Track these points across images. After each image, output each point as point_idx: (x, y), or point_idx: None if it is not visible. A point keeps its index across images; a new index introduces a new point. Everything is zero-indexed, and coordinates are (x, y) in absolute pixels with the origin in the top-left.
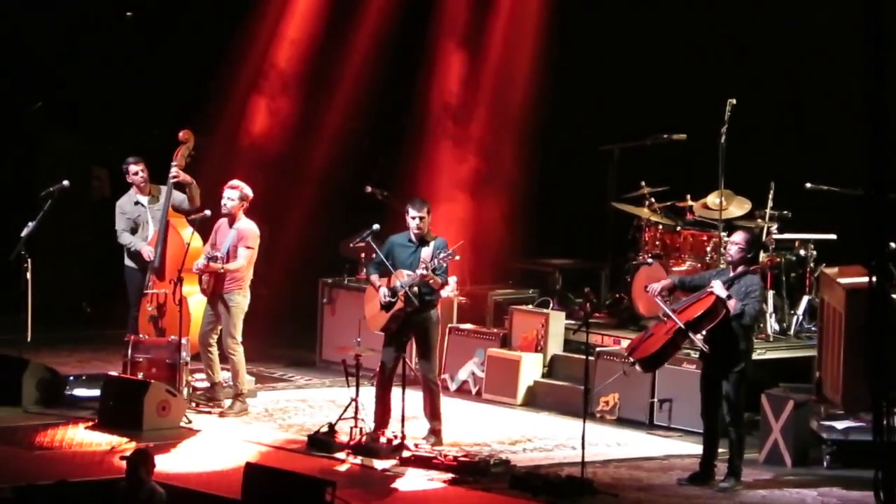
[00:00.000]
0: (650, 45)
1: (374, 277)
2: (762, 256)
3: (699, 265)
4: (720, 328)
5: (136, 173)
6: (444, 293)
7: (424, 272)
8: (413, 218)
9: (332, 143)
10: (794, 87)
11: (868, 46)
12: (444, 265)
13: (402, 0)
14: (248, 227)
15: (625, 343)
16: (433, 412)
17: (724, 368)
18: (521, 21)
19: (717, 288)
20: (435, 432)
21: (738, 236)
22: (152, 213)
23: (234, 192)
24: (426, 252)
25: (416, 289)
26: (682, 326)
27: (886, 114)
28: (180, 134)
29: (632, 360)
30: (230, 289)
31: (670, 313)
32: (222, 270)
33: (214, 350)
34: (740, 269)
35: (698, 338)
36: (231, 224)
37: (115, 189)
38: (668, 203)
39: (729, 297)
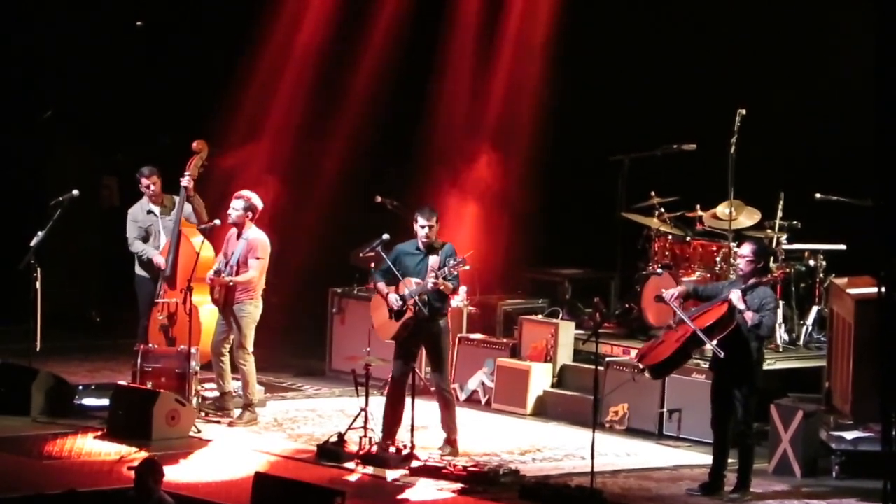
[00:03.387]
0: (660, 55)
1: (382, 285)
2: (773, 266)
3: (708, 275)
4: (732, 338)
5: (147, 186)
6: (454, 303)
7: (435, 280)
8: (422, 227)
9: (342, 153)
10: (803, 97)
11: (878, 56)
12: (456, 273)
13: (413, 11)
14: (258, 238)
15: (634, 353)
16: (449, 423)
17: (735, 378)
18: (531, 31)
19: (736, 299)
20: (451, 443)
21: (746, 248)
22: (163, 223)
23: (240, 202)
24: (434, 260)
25: (425, 297)
26: (698, 332)
27: None
28: (194, 144)
29: (641, 366)
30: (241, 299)
31: (686, 319)
32: (232, 283)
33: (226, 360)
34: (752, 280)
35: (713, 343)
36: (240, 234)
37: (124, 198)
38: (678, 213)
39: (747, 308)
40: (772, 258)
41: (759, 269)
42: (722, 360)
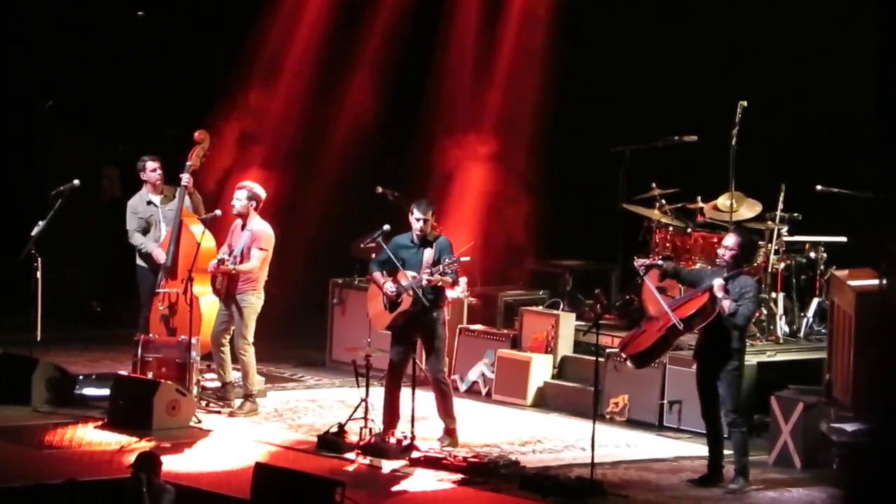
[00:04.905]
0: (661, 47)
1: (377, 275)
2: (766, 257)
3: (709, 267)
4: (713, 327)
5: (153, 170)
6: (454, 294)
7: (430, 277)
8: (417, 220)
9: (343, 144)
10: (804, 89)
11: (878, 50)
12: (451, 271)
13: (414, 2)
14: (262, 229)
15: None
16: (446, 412)
17: (717, 367)
18: (532, 22)
19: (717, 287)
20: (450, 432)
21: (731, 240)
22: (164, 213)
23: (243, 193)
24: (429, 253)
25: (420, 291)
26: (677, 322)
27: None
28: (196, 134)
29: (624, 355)
30: (244, 289)
31: (667, 309)
32: (234, 271)
33: (227, 350)
34: (735, 270)
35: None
36: (244, 225)
37: (125, 189)
38: (679, 205)
39: (726, 295)
40: (757, 249)
41: (741, 259)
42: (704, 349)
